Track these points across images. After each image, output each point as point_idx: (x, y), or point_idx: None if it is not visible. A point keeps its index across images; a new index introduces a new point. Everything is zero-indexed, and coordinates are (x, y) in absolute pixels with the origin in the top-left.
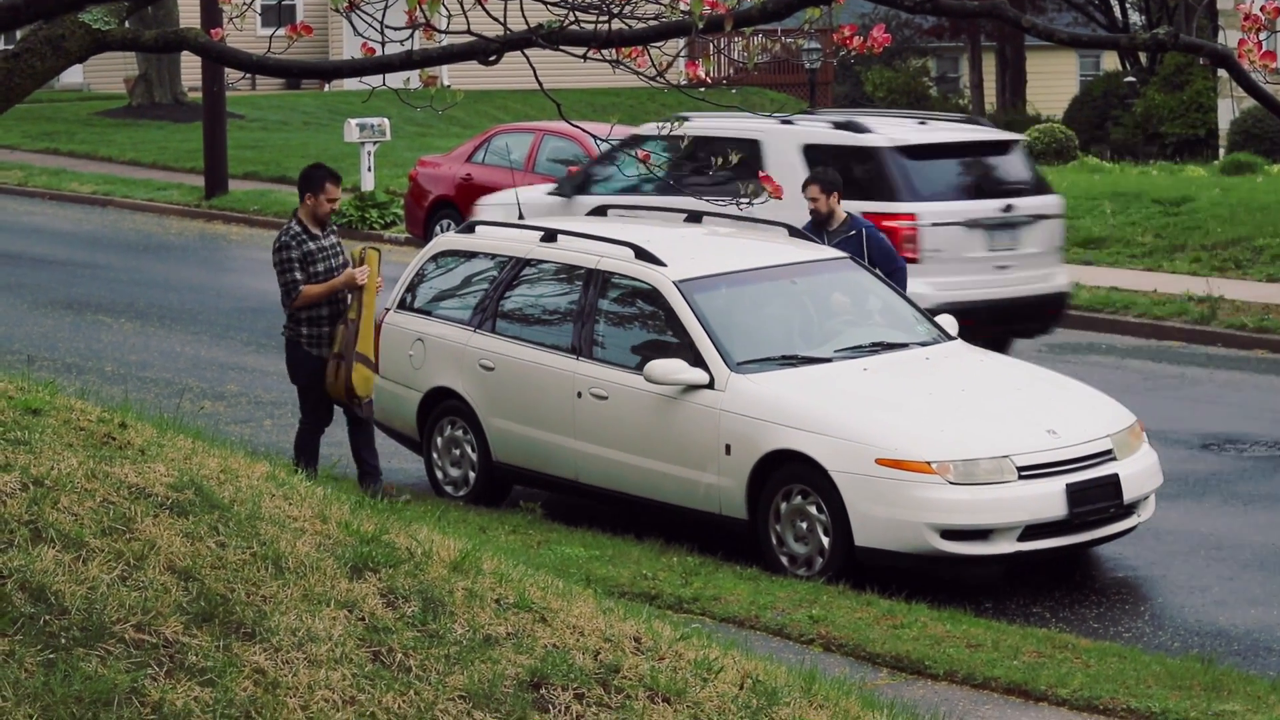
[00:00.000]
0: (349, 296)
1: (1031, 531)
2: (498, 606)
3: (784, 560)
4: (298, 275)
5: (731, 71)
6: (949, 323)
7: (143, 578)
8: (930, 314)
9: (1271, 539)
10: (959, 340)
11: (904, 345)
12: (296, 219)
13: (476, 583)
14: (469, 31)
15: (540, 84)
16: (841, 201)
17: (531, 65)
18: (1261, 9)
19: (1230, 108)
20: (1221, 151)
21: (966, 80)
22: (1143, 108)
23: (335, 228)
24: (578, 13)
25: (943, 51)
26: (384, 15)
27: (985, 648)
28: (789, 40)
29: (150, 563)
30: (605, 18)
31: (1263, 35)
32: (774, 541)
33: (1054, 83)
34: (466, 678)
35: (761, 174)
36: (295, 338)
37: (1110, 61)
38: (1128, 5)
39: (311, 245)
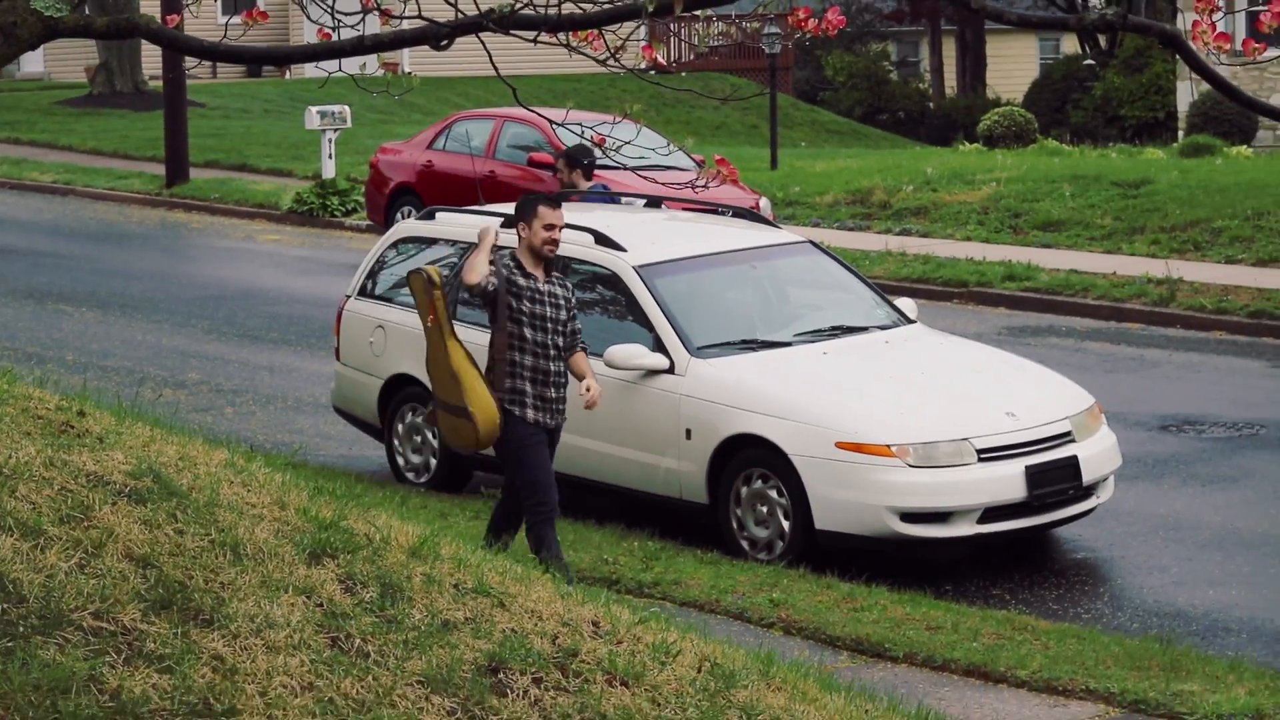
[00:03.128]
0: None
1: (991, 514)
2: (456, 592)
3: (744, 544)
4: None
5: (692, 56)
6: (909, 306)
7: (101, 565)
8: (890, 298)
9: (1229, 520)
10: (919, 324)
11: (863, 329)
12: (511, 256)
13: (435, 568)
14: (420, 16)
15: (496, 69)
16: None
17: (487, 50)
18: None
19: (1189, 90)
20: (1180, 134)
21: (927, 64)
22: (1102, 91)
23: (560, 280)
24: None
25: (903, 35)
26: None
27: (945, 630)
28: (747, 25)
29: (108, 550)
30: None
31: (1216, 16)
32: (734, 526)
33: (1014, 66)
34: (424, 663)
35: (717, 157)
36: None
37: (1070, 45)
38: None
39: (522, 281)
